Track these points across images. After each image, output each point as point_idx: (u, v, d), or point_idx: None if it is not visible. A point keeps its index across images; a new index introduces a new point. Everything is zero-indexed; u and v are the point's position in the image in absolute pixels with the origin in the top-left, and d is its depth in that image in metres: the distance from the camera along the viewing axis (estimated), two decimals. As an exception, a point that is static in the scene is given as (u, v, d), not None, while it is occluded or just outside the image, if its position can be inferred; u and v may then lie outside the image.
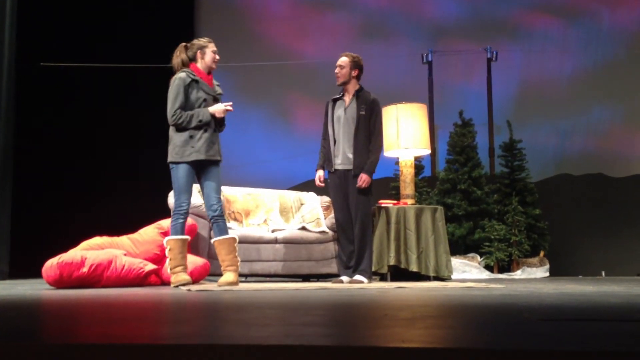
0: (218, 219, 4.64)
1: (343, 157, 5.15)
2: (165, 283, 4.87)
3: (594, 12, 8.73)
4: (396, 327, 1.86)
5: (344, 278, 5.08)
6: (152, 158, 4.76)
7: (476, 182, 7.84)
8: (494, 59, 8.58)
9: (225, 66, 8.58)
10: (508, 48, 8.65)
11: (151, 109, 4.68)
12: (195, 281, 4.91)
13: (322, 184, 5.27)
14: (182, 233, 4.62)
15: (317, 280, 5.96)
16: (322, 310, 2.54)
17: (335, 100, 5.28)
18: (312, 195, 6.43)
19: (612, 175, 8.35)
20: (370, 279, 5.11)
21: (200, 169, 4.65)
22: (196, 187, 5.03)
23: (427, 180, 8.34)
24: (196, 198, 5.40)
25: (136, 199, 7.43)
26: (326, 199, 6.37)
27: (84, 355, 1.43)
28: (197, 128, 4.57)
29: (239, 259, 4.71)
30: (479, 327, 1.93)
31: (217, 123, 4.67)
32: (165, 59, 4.85)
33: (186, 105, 4.60)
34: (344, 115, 5.17)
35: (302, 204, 6.32)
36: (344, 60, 5.24)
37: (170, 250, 4.60)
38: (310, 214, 6.12)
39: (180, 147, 4.57)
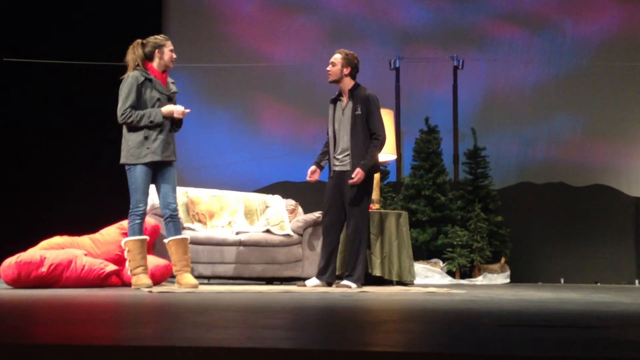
0: (174, 217, 4.61)
1: (341, 158, 5.04)
2: (126, 284, 4.81)
3: (558, 23, 8.88)
4: (358, 331, 1.87)
5: (309, 282, 5.06)
6: (113, 157, 4.68)
7: (440, 189, 7.91)
8: (460, 67, 8.66)
9: (192, 67, 8.53)
10: (474, 57, 8.75)
11: (112, 107, 4.61)
12: (156, 283, 4.86)
13: (311, 179, 5.17)
14: (140, 234, 4.57)
15: (281, 284, 5.95)
16: (284, 313, 2.54)
17: (334, 101, 5.15)
18: (277, 198, 6.42)
19: (573, 185, 8.49)
20: (360, 286, 4.89)
21: (157, 170, 4.60)
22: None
23: (392, 185, 8.38)
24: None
25: (98, 198, 7.31)
26: (291, 202, 6.36)
27: (41, 356, 1.41)
28: (152, 128, 4.50)
29: None
30: (439, 331, 1.94)
31: (174, 123, 4.61)
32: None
33: (139, 104, 4.53)
34: (342, 117, 5.06)
35: (267, 207, 6.30)
36: (335, 57, 5.09)
37: (129, 251, 4.55)
38: (275, 216, 6.10)
39: (136, 148, 4.50)
